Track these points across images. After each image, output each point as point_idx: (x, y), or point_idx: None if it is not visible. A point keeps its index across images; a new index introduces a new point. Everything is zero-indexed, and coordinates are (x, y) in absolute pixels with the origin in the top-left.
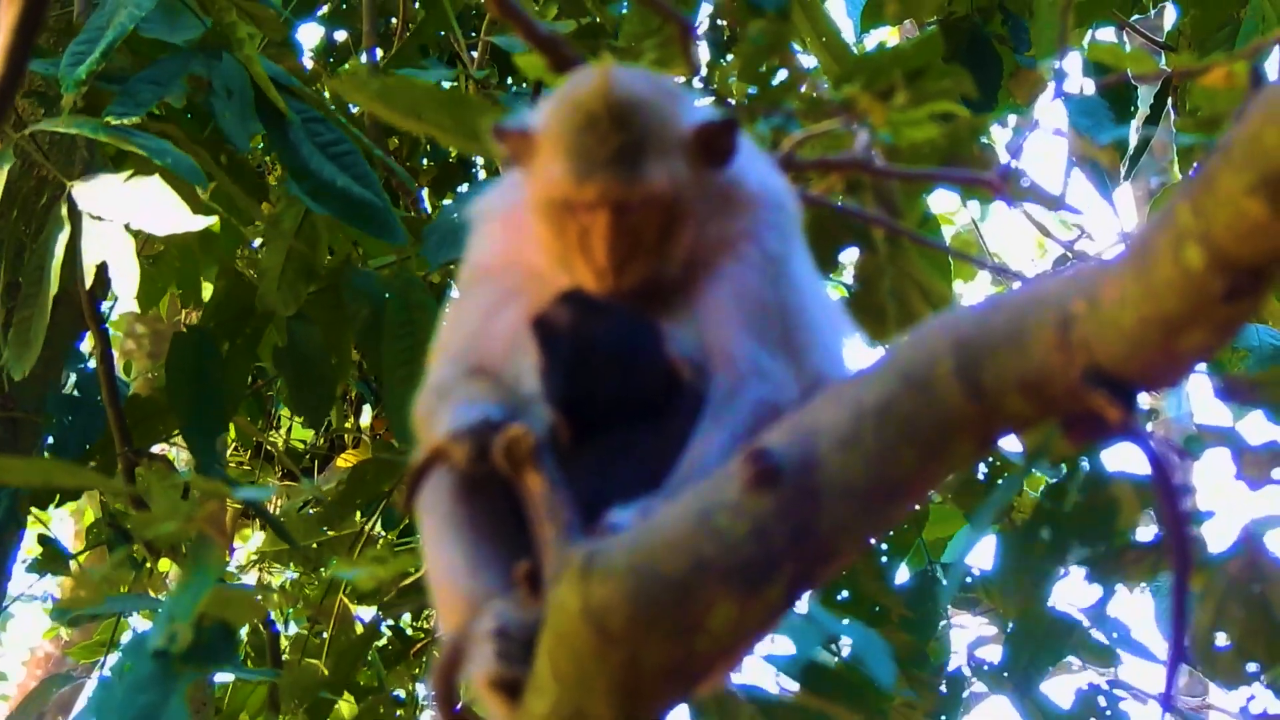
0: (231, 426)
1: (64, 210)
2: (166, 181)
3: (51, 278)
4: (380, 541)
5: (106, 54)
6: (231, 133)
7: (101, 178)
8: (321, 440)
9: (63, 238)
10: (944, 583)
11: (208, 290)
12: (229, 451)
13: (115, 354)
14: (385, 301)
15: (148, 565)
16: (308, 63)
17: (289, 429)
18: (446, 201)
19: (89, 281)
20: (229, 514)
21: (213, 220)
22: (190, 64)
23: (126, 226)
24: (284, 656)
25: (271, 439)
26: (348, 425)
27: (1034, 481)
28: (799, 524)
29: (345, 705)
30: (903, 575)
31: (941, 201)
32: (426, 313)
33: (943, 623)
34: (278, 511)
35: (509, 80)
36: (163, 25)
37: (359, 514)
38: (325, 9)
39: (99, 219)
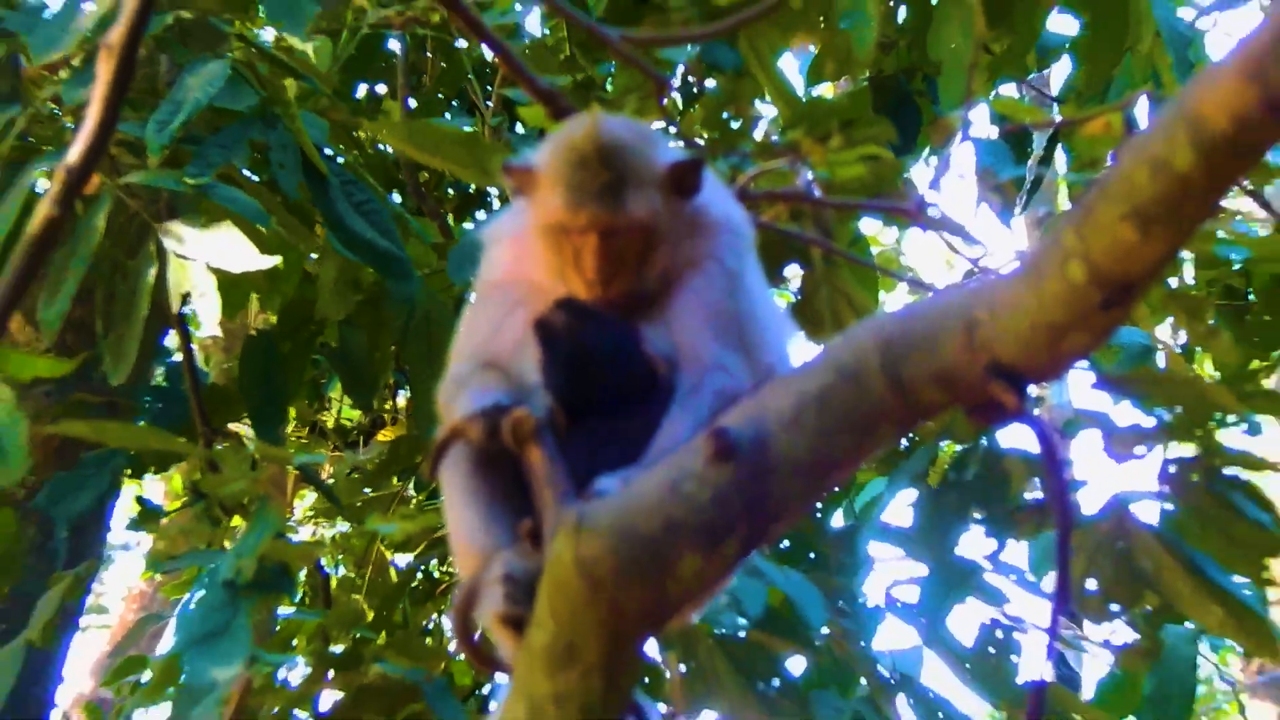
0: (292, 409)
1: (153, 248)
2: (234, 223)
3: (142, 302)
4: (412, 502)
5: (185, 124)
6: (284, 185)
7: (184, 223)
8: (365, 419)
9: (152, 271)
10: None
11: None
12: (290, 429)
13: (195, 350)
14: (414, 310)
15: (222, 523)
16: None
17: (339, 410)
18: (467, 225)
19: (176, 306)
20: (290, 479)
21: (277, 260)
22: (250, 130)
23: (208, 265)
24: (333, 595)
25: (324, 419)
26: (386, 407)
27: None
28: (752, 491)
29: (383, 636)
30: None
31: (868, 226)
32: (445, 320)
33: (865, 568)
34: (329, 478)
35: (517, 126)
36: (228, 95)
37: (395, 479)
38: (370, 68)
39: (184, 258)
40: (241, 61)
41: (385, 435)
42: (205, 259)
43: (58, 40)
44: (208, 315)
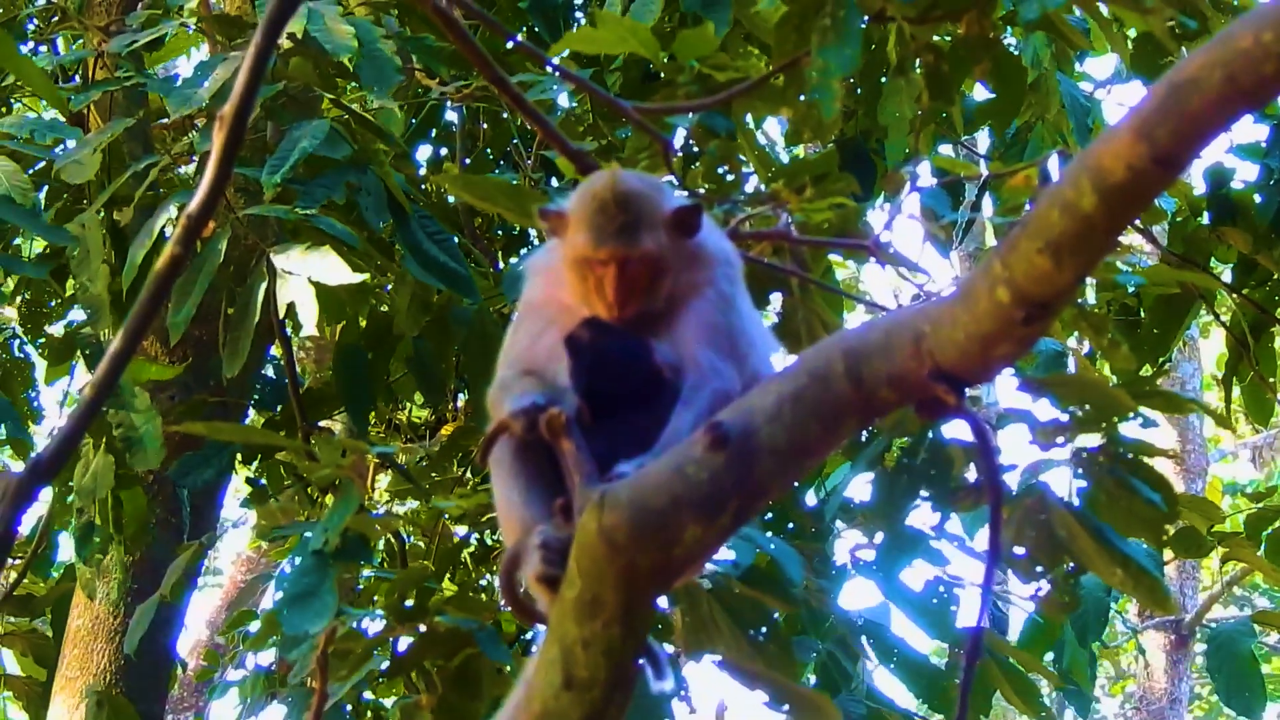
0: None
1: (264, 267)
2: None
3: (254, 313)
4: (468, 484)
5: (294, 167)
6: (370, 220)
7: (290, 246)
8: (432, 417)
9: (263, 287)
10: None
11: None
12: (370, 425)
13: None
14: (471, 328)
15: (317, 500)
16: (421, 169)
17: (410, 410)
18: (513, 260)
19: (282, 313)
20: (370, 465)
21: (365, 276)
22: (346, 175)
23: (309, 279)
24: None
25: (399, 417)
26: (449, 407)
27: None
28: (741, 473)
29: (447, 590)
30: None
31: (835, 259)
32: (495, 336)
33: (834, 535)
34: (401, 463)
35: (552, 179)
36: (328, 147)
37: (455, 466)
38: (434, 133)
39: (289, 274)
40: (338, 121)
41: (447, 429)
42: (307, 274)
43: (188, 100)
44: (308, 318)
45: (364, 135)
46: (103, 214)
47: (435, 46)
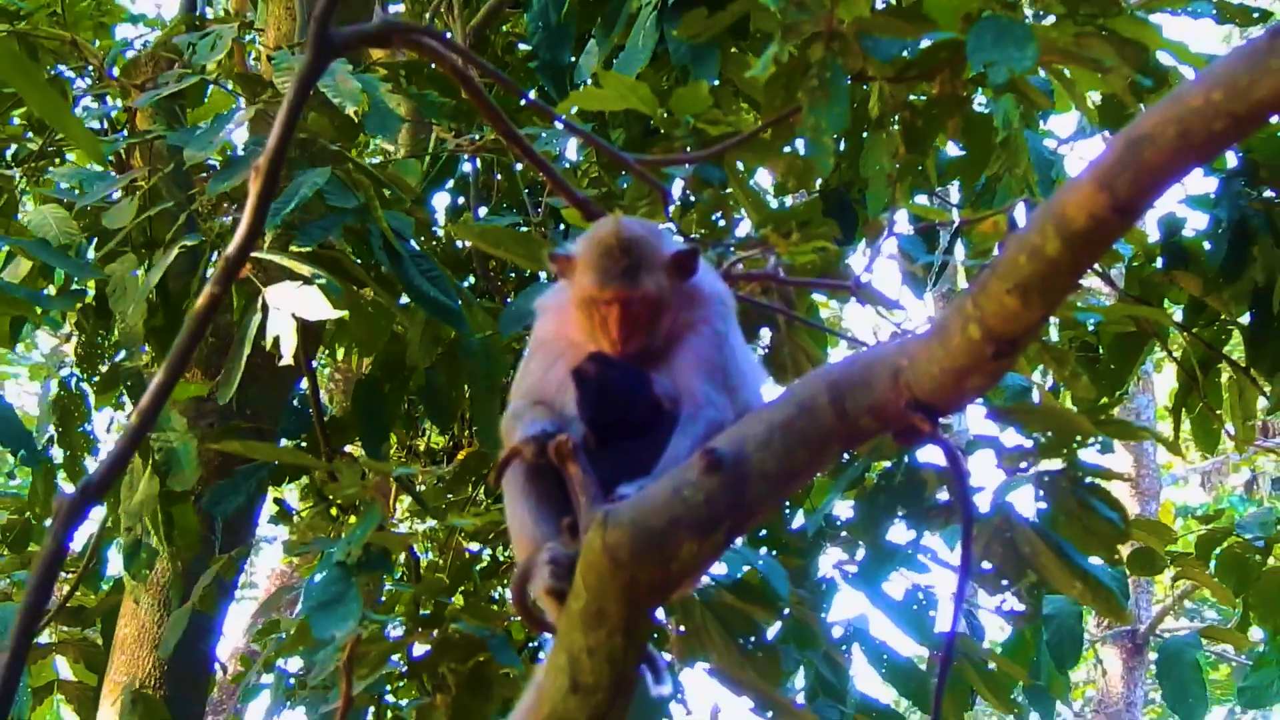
0: (393, 437)
1: (259, 304)
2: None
3: (247, 345)
4: (482, 504)
5: (295, 210)
6: (378, 259)
7: (284, 284)
8: (448, 443)
9: (255, 320)
10: (816, 523)
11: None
12: (392, 450)
13: (322, 391)
14: (479, 361)
15: (340, 519)
16: (441, 215)
17: (428, 436)
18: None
19: (269, 345)
20: (392, 487)
21: (344, 313)
22: (345, 219)
23: (293, 315)
24: (422, 573)
25: (418, 443)
26: (465, 434)
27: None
28: (734, 495)
29: (459, 600)
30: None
31: (819, 299)
32: (500, 370)
33: (820, 551)
34: (421, 486)
35: (560, 225)
36: (338, 196)
37: (469, 487)
38: (451, 183)
39: (277, 309)
40: (343, 171)
41: (463, 454)
42: (290, 310)
43: (206, 146)
44: (287, 349)
45: (365, 184)
46: (144, 255)
47: (438, 102)
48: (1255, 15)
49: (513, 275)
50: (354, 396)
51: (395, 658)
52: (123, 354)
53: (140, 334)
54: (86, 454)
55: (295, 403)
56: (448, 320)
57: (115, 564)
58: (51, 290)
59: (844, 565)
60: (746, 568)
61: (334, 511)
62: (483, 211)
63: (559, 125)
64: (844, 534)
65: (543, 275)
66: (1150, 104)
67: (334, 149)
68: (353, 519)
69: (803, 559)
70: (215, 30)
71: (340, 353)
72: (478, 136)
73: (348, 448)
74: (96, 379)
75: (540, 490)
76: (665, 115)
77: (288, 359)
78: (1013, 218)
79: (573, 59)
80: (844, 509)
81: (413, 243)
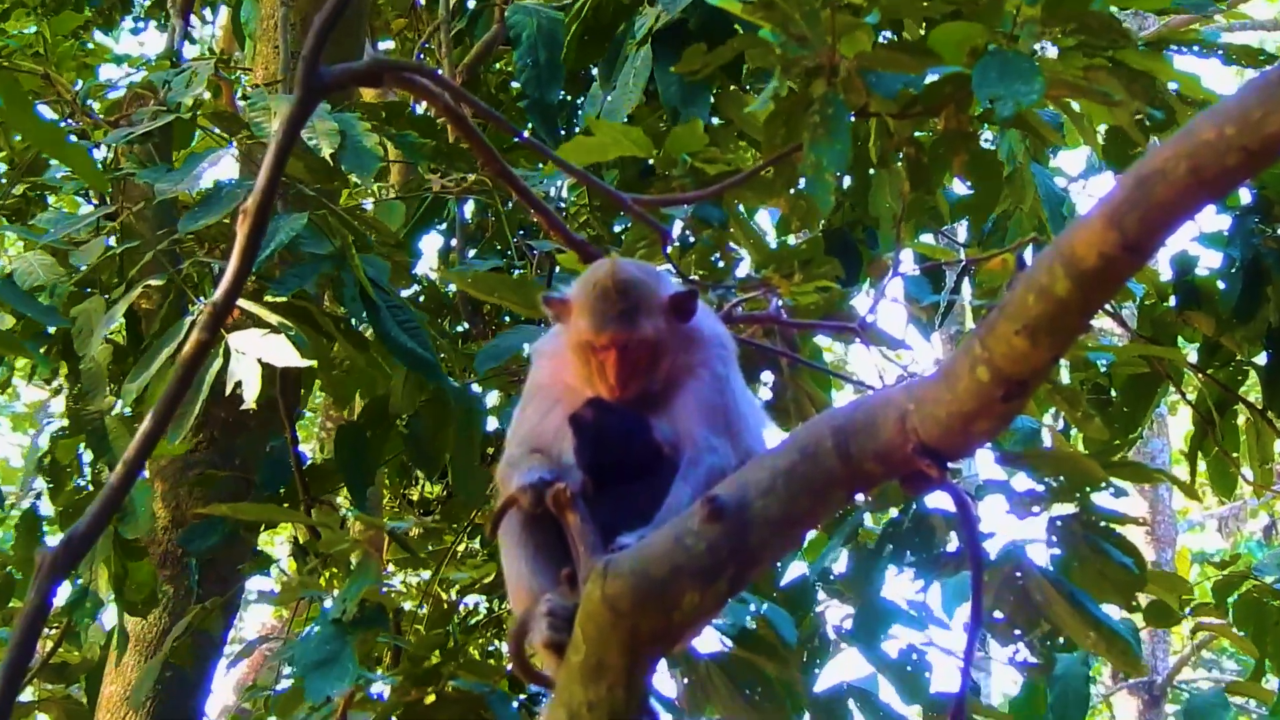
0: (386, 490)
1: (220, 349)
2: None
3: (204, 388)
4: (478, 554)
5: (269, 257)
6: (350, 310)
7: (251, 331)
8: (443, 492)
9: (215, 365)
10: (812, 578)
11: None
12: (385, 500)
13: (312, 440)
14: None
15: (321, 574)
16: (434, 257)
17: (422, 485)
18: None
19: (229, 390)
20: (385, 540)
21: (313, 363)
22: (321, 267)
23: (259, 360)
24: (416, 627)
25: (411, 493)
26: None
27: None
28: (737, 543)
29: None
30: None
31: (822, 341)
32: (480, 418)
33: (814, 605)
34: (415, 534)
35: (557, 269)
36: (314, 243)
37: (451, 535)
38: (443, 225)
39: (241, 353)
40: (320, 217)
41: (434, 504)
42: (256, 355)
43: (178, 183)
44: (250, 394)
45: (342, 230)
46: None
47: (418, 143)
48: (1262, 58)
49: (506, 319)
50: (336, 444)
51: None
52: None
53: (104, 377)
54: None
55: (278, 451)
56: (424, 373)
57: (103, 618)
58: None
59: (843, 622)
60: (751, 617)
61: (313, 563)
62: (472, 255)
63: (553, 165)
64: (838, 589)
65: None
66: (1160, 139)
67: (311, 193)
68: (334, 569)
69: (796, 614)
70: (192, 68)
71: (323, 399)
72: (469, 177)
73: (339, 499)
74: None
75: (538, 540)
76: (661, 156)
77: (250, 402)
78: (1021, 257)
79: (565, 97)
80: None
81: (391, 290)
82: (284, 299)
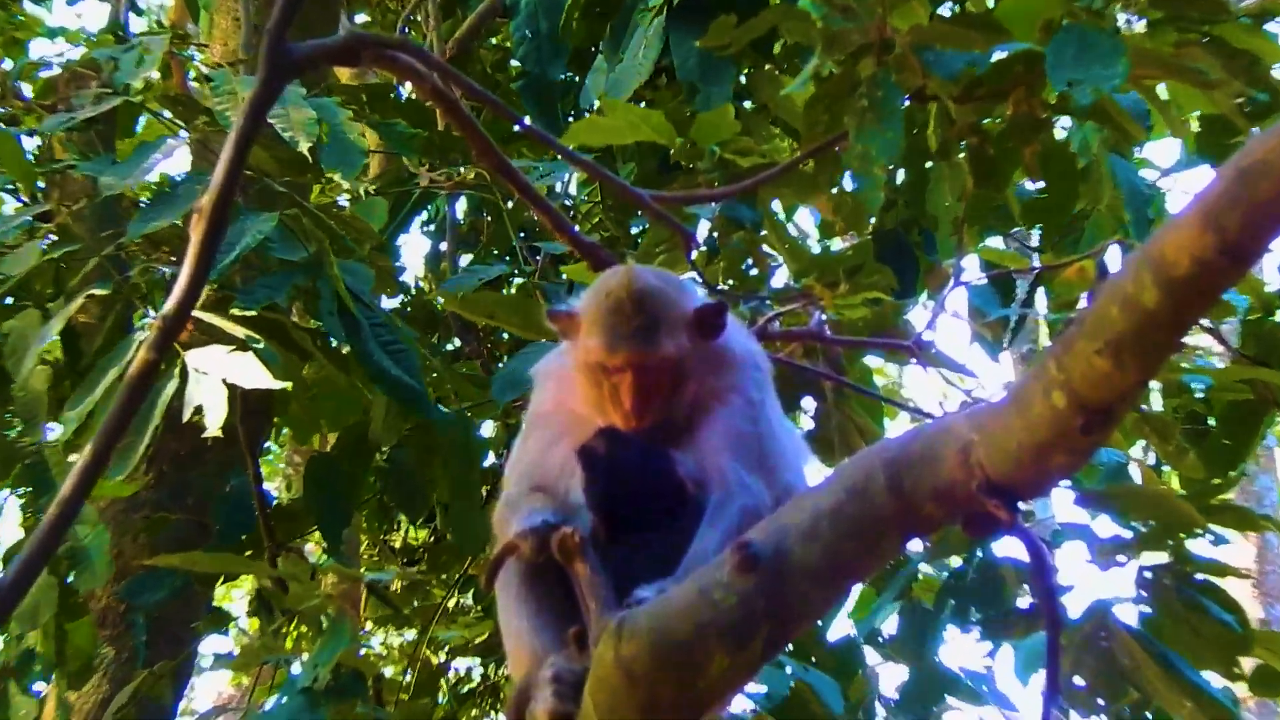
0: (362, 529)
1: (176, 370)
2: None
3: (156, 415)
4: (471, 611)
5: (234, 263)
6: (328, 326)
7: (213, 348)
8: (429, 538)
9: (170, 387)
10: (859, 640)
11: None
12: (363, 548)
13: (277, 477)
14: (455, 439)
15: (286, 632)
16: (419, 265)
17: (405, 530)
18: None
19: (186, 417)
20: (363, 593)
21: (287, 385)
22: (295, 276)
23: (224, 381)
24: (399, 695)
25: (393, 538)
26: (448, 526)
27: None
28: (773, 597)
29: None
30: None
31: (873, 362)
32: (478, 449)
33: (863, 669)
34: (397, 587)
35: (561, 273)
36: (285, 247)
37: (455, 592)
38: (432, 227)
39: (203, 373)
40: (291, 217)
41: (419, 549)
42: (221, 375)
43: (126, 177)
44: (214, 421)
45: (317, 233)
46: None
47: (407, 133)
48: None
49: (505, 336)
50: (306, 480)
51: None
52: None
53: (42, 401)
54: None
55: (239, 490)
56: (410, 404)
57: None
58: None
59: (896, 689)
60: (790, 683)
61: (278, 621)
62: (466, 259)
63: (558, 157)
64: (890, 652)
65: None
66: (1264, 127)
67: (282, 189)
68: (303, 629)
69: (841, 680)
70: (141, 43)
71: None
72: (461, 170)
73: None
74: None
75: (541, 594)
76: (686, 145)
77: (213, 431)
78: (1103, 263)
79: (569, 75)
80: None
81: (373, 304)
82: (252, 312)
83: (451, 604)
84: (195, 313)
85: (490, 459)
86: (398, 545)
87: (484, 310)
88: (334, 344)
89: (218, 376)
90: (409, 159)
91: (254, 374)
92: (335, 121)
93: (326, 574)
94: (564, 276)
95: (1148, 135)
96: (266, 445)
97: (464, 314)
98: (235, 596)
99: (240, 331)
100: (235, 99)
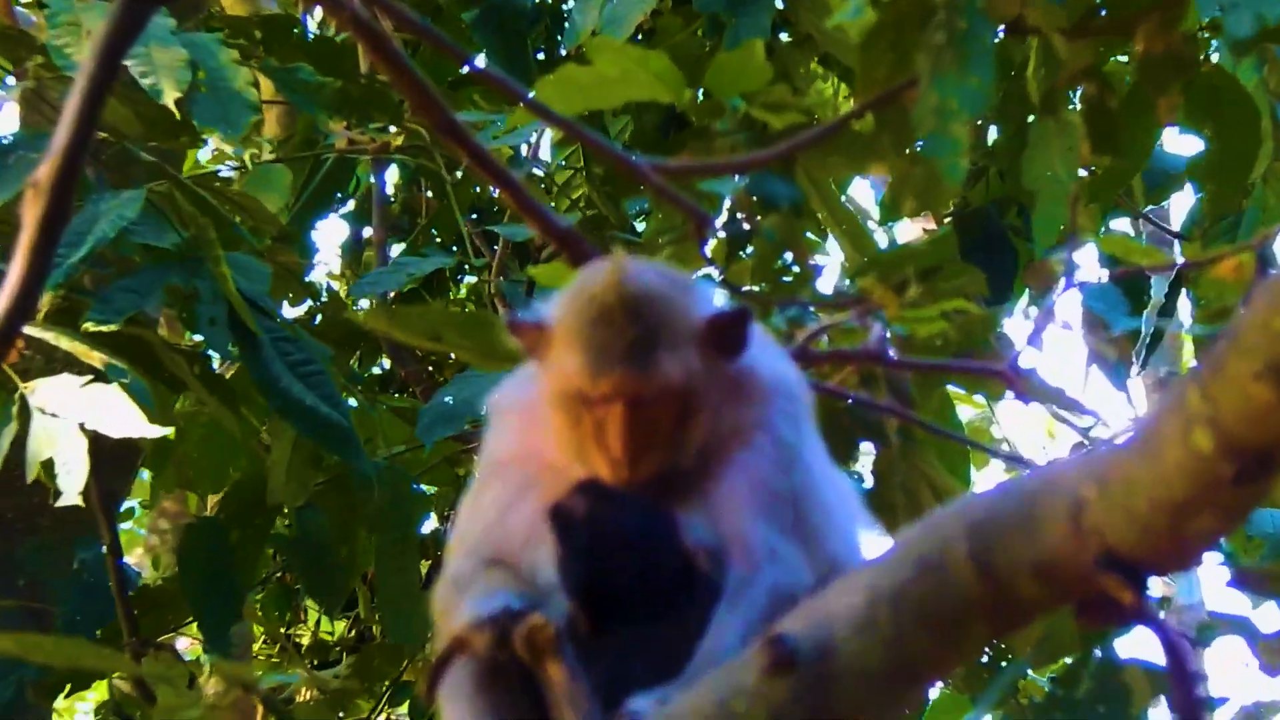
0: (257, 624)
1: (14, 409)
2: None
3: None
4: None
5: (85, 260)
6: (214, 343)
7: (62, 378)
8: (349, 633)
9: (8, 432)
10: None
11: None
12: (257, 645)
13: (139, 549)
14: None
15: None
16: (334, 258)
17: (318, 622)
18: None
19: (31, 475)
20: (257, 705)
21: (169, 431)
22: (169, 275)
23: (81, 426)
24: None
25: (299, 631)
26: (373, 617)
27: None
28: (816, 710)
29: None
30: None
31: (955, 390)
32: (417, 504)
33: None
34: (309, 699)
35: (524, 268)
36: (153, 232)
37: (369, 700)
38: (352, 206)
39: (53, 416)
40: (161, 195)
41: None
42: (79, 419)
43: None
44: (70, 484)
45: (195, 216)
46: None
47: (314, 82)
48: None
49: (451, 358)
50: (181, 554)
51: None
52: None
53: None
54: None
55: (90, 566)
56: (331, 443)
57: None
58: None
59: None
60: None
61: None
62: (398, 250)
63: (525, 110)
64: None
65: None
66: None
67: (149, 158)
68: None
69: None
70: None
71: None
72: (392, 130)
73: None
74: None
75: (501, 706)
76: (699, 98)
77: (71, 497)
78: (1267, 254)
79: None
80: None
81: (274, 312)
82: (112, 327)
83: None
84: (29, 329)
85: (432, 523)
86: (306, 641)
87: (424, 331)
88: (215, 367)
89: (73, 420)
90: (317, 115)
91: (122, 417)
92: (214, 65)
93: (209, 677)
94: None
95: None
96: (124, 504)
97: (394, 334)
98: (81, 710)
99: (97, 356)
100: (79, 32)
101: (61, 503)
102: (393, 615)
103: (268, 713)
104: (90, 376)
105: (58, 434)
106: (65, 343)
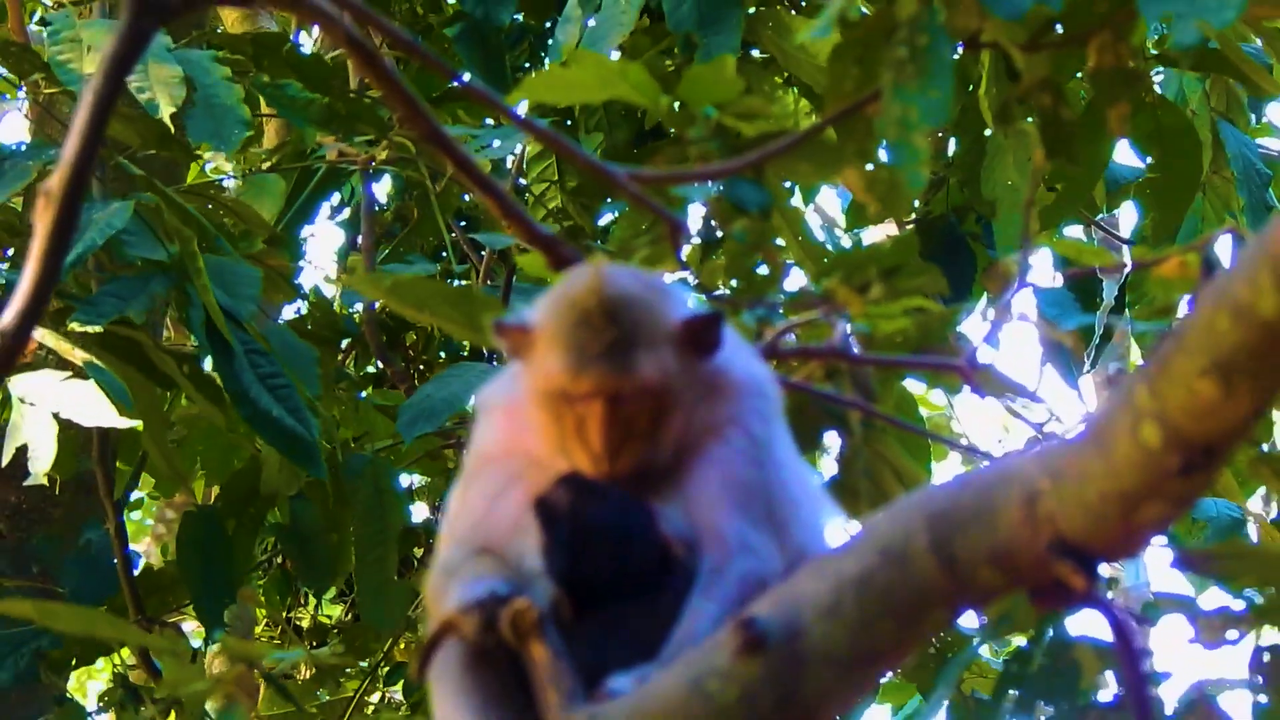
0: (260, 608)
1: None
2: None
3: None
4: (401, 707)
5: (73, 266)
6: (203, 349)
7: (44, 372)
8: (346, 615)
9: (12, 426)
10: None
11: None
12: (260, 628)
13: (147, 536)
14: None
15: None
16: (331, 261)
17: (317, 606)
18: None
19: (4, 459)
20: (260, 681)
21: (138, 423)
22: (153, 283)
23: (55, 415)
24: None
25: (299, 614)
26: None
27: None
28: (785, 689)
29: None
30: None
31: (916, 387)
32: (397, 504)
33: None
34: (304, 677)
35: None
36: (144, 244)
37: (361, 678)
38: (347, 214)
39: (29, 404)
40: (148, 207)
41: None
42: (53, 409)
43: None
44: (39, 464)
45: (180, 228)
46: None
47: (302, 98)
48: None
49: (442, 355)
50: (180, 542)
51: None
52: None
53: None
54: None
55: (97, 550)
56: (293, 454)
57: None
58: None
59: None
60: None
61: (148, 710)
62: (386, 254)
63: (505, 119)
64: None
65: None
66: None
67: (138, 171)
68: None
69: None
70: None
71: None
72: (381, 142)
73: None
74: None
75: (487, 685)
76: (673, 108)
77: (38, 477)
78: (1209, 257)
79: (522, 19)
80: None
81: (250, 324)
82: (97, 329)
83: (374, 698)
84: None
85: (424, 512)
86: (306, 624)
87: (414, 300)
88: (206, 369)
89: (47, 409)
90: (305, 129)
91: (93, 408)
92: (207, 81)
93: (213, 655)
94: (515, 274)
95: (1275, 90)
96: (132, 495)
97: (389, 303)
98: (91, 690)
99: (77, 353)
100: (79, 48)
101: (29, 483)
102: (370, 601)
103: (268, 687)
104: (69, 373)
105: (31, 421)
106: (52, 340)
